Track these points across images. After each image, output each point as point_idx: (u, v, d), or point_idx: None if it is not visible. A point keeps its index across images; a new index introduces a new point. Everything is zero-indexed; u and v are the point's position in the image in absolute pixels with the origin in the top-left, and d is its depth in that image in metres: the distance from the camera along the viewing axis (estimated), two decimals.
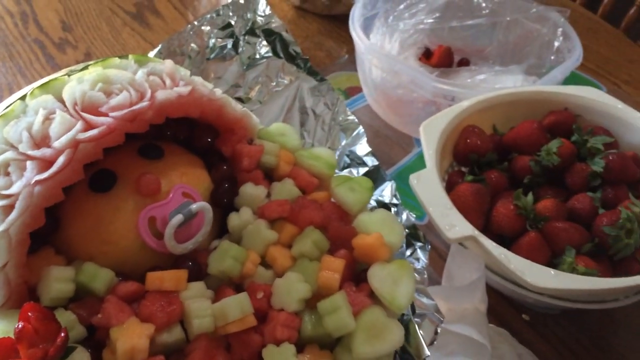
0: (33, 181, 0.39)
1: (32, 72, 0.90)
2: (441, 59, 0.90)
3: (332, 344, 0.44)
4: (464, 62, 0.93)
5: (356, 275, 0.47)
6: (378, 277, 0.45)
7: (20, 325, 0.36)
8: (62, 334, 0.37)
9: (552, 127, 0.67)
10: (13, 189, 0.39)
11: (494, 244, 0.53)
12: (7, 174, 0.40)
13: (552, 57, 0.83)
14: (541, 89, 0.68)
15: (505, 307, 0.63)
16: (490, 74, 0.83)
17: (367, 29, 0.87)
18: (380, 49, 0.82)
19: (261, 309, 0.43)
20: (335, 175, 0.53)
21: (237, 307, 0.41)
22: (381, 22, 0.85)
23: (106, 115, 0.41)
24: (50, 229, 0.44)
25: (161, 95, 0.44)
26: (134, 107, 0.42)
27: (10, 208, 0.39)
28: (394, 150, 0.81)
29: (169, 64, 0.48)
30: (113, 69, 0.45)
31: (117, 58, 0.47)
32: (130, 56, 0.48)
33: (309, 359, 0.42)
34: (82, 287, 0.42)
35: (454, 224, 0.55)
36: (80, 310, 0.41)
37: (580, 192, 0.61)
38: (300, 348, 0.43)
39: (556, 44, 0.83)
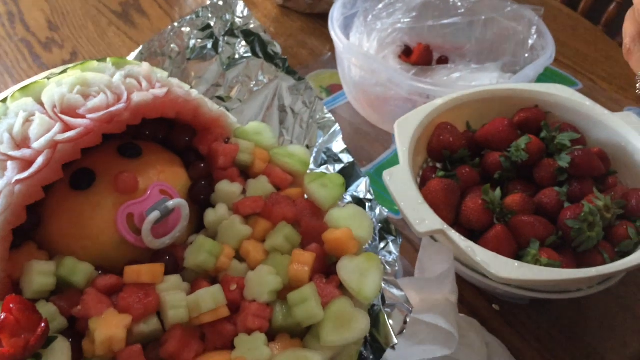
0: (13, 180, 0.41)
1: (19, 71, 0.91)
2: (420, 57, 0.93)
3: (303, 333, 0.46)
4: (443, 60, 0.96)
5: (327, 267, 0.50)
6: (346, 269, 0.47)
7: (2, 316, 0.38)
8: (43, 325, 0.39)
9: (523, 124, 0.69)
10: None
11: (462, 237, 0.56)
12: None
13: (527, 55, 0.85)
14: (512, 87, 0.71)
15: (476, 297, 0.65)
16: (466, 72, 0.85)
17: (347, 27, 0.89)
18: (359, 48, 0.84)
19: (234, 300, 0.45)
20: (308, 172, 0.55)
21: (210, 299, 0.43)
22: (360, 21, 0.87)
23: (83, 117, 0.43)
24: (32, 225, 0.46)
25: (137, 97, 0.46)
26: (111, 109, 0.44)
27: None
28: (373, 147, 0.83)
29: (145, 66, 0.50)
30: (91, 72, 0.47)
31: (95, 61, 0.49)
32: (108, 59, 0.50)
33: (280, 347, 0.44)
34: (63, 281, 0.44)
35: (423, 219, 0.57)
36: (61, 302, 0.43)
37: (548, 187, 0.63)
38: (272, 337, 0.45)
39: (530, 41, 0.85)
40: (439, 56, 0.96)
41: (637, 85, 0.42)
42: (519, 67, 0.85)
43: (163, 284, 0.45)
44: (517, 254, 0.58)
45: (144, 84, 0.48)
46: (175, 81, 0.52)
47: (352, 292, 0.46)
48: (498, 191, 0.61)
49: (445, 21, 0.88)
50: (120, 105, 0.45)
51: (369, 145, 0.84)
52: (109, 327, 0.41)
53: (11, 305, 0.39)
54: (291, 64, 0.97)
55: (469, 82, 0.84)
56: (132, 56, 0.68)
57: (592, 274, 0.53)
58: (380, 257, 0.57)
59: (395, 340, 0.51)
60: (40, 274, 0.43)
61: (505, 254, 0.55)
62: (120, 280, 0.44)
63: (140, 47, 0.68)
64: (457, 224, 0.62)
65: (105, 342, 0.40)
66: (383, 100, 0.81)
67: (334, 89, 0.92)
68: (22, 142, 0.42)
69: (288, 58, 0.97)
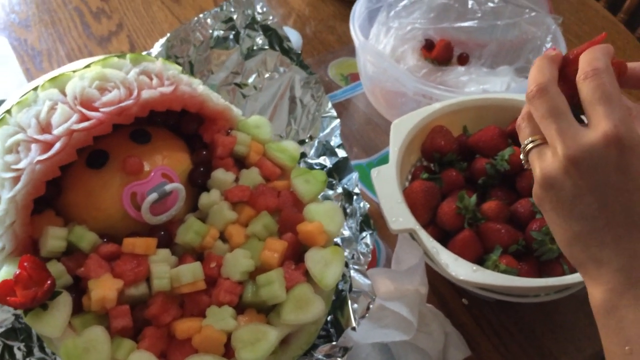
0: (35, 160, 0.49)
1: (69, 39, 1.00)
2: (440, 52, 0.96)
3: (268, 310, 0.54)
4: (464, 57, 0.99)
5: (300, 254, 0.57)
6: (312, 259, 0.54)
7: (17, 272, 0.47)
8: (49, 281, 0.48)
9: (515, 133, 0.73)
10: (20, 165, 0.49)
11: (430, 238, 0.61)
12: (17, 152, 0.50)
13: None
14: (508, 97, 0.74)
15: (449, 290, 0.71)
16: (479, 75, 0.88)
17: (372, 20, 0.94)
18: (375, 45, 0.88)
19: (212, 276, 0.53)
20: (296, 167, 0.62)
21: (189, 274, 0.51)
22: (383, 16, 0.91)
23: (97, 110, 0.51)
24: (53, 195, 0.55)
25: (146, 94, 0.54)
26: (121, 104, 0.52)
27: (17, 179, 0.49)
28: (380, 138, 0.89)
29: (159, 63, 0.57)
30: (110, 68, 0.54)
31: (115, 57, 0.56)
32: (127, 55, 0.57)
33: (246, 320, 0.52)
34: (72, 245, 0.53)
35: (399, 217, 0.63)
36: (69, 262, 0.52)
37: (526, 197, 0.68)
38: (241, 310, 0.53)
39: (544, 48, 0.87)
40: (460, 52, 0.99)
41: (521, 156, 0.45)
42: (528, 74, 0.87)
43: (155, 255, 0.53)
44: (482, 258, 0.64)
45: (155, 80, 0.56)
46: (184, 78, 0.59)
47: (315, 279, 0.54)
48: (474, 198, 0.66)
49: (463, 24, 0.91)
50: (130, 102, 0.52)
51: (377, 137, 0.89)
52: (103, 288, 0.49)
53: (25, 264, 0.48)
54: (318, 49, 1.03)
55: (480, 85, 0.88)
56: (160, 42, 0.75)
57: (541, 284, 0.58)
58: (358, 247, 0.64)
59: (354, 324, 0.58)
60: (53, 238, 0.52)
61: (468, 257, 0.61)
62: (120, 249, 0.53)
63: (168, 35, 0.75)
64: (433, 223, 0.68)
65: (99, 300, 0.49)
66: (394, 96, 0.86)
67: (354, 77, 0.97)
68: (45, 127, 0.51)
69: (315, 43, 1.03)
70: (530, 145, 0.43)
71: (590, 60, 0.41)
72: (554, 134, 0.40)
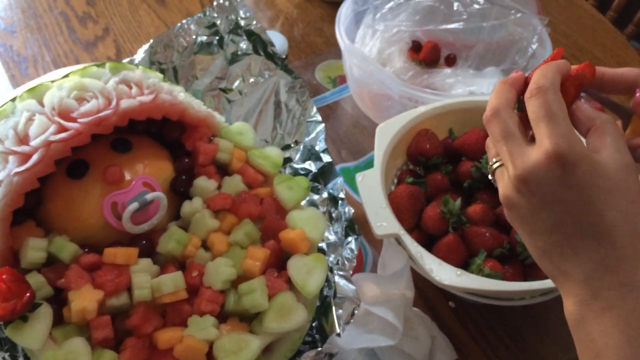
0: (13, 172, 0.49)
1: (55, 44, 1.00)
2: (428, 54, 0.96)
3: (251, 318, 0.54)
4: (451, 58, 0.99)
5: (282, 262, 0.57)
6: (295, 266, 0.54)
7: None
8: (28, 294, 0.48)
9: None
10: None
11: (414, 242, 0.61)
12: None
13: (525, 63, 0.87)
14: None
15: (435, 294, 0.71)
16: (466, 77, 0.88)
17: (358, 22, 0.93)
18: (361, 48, 0.88)
19: (194, 285, 0.53)
20: (279, 173, 0.62)
21: (170, 283, 0.51)
22: (369, 18, 0.91)
23: (75, 120, 0.51)
24: (34, 206, 0.55)
25: (125, 103, 0.53)
26: (100, 114, 0.52)
27: None
28: (367, 141, 0.89)
29: (138, 72, 0.57)
30: (88, 78, 0.54)
31: (94, 67, 0.56)
32: (107, 64, 0.57)
33: (228, 329, 0.52)
34: (53, 256, 0.52)
35: (383, 222, 0.63)
36: (49, 274, 0.52)
37: None
38: (224, 319, 0.53)
39: (530, 50, 0.87)
40: (448, 54, 0.99)
41: (489, 176, 0.46)
42: None
43: (136, 265, 0.53)
44: (467, 262, 0.64)
45: (134, 89, 0.55)
46: (165, 86, 0.59)
47: (297, 287, 0.53)
48: (458, 202, 0.66)
49: (449, 26, 0.91)
50: (108, 111, 0.52)
51: (364, 140, 0.89)
52: (83, 300, 0.49)
53: (4, 276, 0.47)
54: (305, 52, 1.03)
55: (467, 87, 0.88)
56: (143, 49, 0.75)
57: (525, 287, 0.58)
58: (343, 252, 0.64)
59: (339, 330, 0.58)
60: (33, 249, 0.52)
61: (453, 261, 0.61)
62: (100, 259, 0.53)
63: (151, 41, 0.75)
64: (419, 227, 0.68)
65: (79, 312, 0.49)
66: (380, 99, 0.86)
67: (341, 80, 0.97)
68: (23, 138, 0.51)
69: (303, 45, 1.03)
70: (495, 166, 0.44)
71: (537, 79, 0.42)
72: (505, 155, 0.41)
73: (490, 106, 0.43)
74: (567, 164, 0.38)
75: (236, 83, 0.78)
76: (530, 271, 0.64)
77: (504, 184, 0.42)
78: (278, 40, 0.89)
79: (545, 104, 0.40)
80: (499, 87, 0.44)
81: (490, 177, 0.46)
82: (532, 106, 0.41)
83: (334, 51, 1.03)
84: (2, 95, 0.57)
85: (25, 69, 0.95)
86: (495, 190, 0.70)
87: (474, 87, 0.88)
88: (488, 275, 0.60)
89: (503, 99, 0.43)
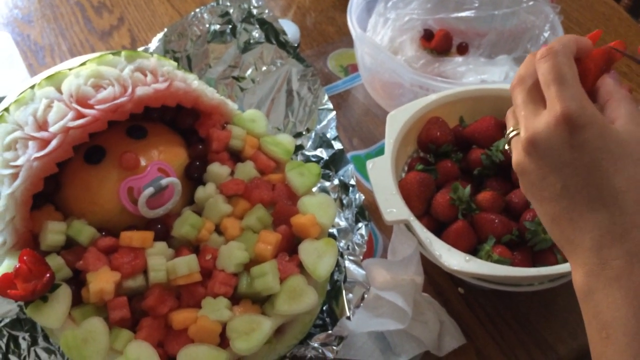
0: (33, 157, 0.50)
1: (71, 34, 1.01)
2: (439, 42, 0.96)
3: (263, 300, 0.55)
4: (463, 47, 0.99)
5: (294, 246, 0.58)
6: (306, 250, 0.55)
7: (17, 266, 0.49)
8: (48, 274, 0.49)
9: None
10: (18, 162, 0.51)
11: (424, 228, 0.62)
12: (15, 149, 0.52)
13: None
14: (504, 87, 0.74)
15: (445, 280, 0.72)
16: (476, 65, 0.88)
17: (370, 11, 0.94)
18: (373, 37, 0.89)
19: (208, 268, 0.54)
20: (290, 160, 0.63)
21: (185, 266, 0.53)
22: (381, 7, 0.92)
23: (92, 107, 0.52)
24: (52, 191, 0.56)
25: (140, 91, 0.55)
26: (116, 101, 0.53)
27: (15, 176, 0.51)
28: (379, 129, 0.89)
29: (153, 60, 0.58)
30: (104, 66, 0.55)
31: (110, 55, 0.57)
32: (122, 52, 0.58)
33: (241, 311, 0.53)
34: (71, 239, 0.54)
35: (393, 208, 0.63)
36: (68, 256, 0.53)
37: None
38: (237, 301, 0.54)
39: (542, 38, 0.87)
40: (460, 42, 0.99)
41: (506, 146, 0.47)
42: None
43: (152, 248, 0.54)
44: (476, 248, 0.64)
45: (149, 77, 0.57)
46: (179, 74, 0.60)
47: (308, 271, 0.55)
48: (468, 188, 0.66)
49: (461, 14, 0.91)
50: (125, 98, 0.53)
51: (375, 128, 0.90)
52: (101, 281, 0.51)
53: (25, 258, 0.49)
54: (317, 41, 1.04)
55: (478, 75, 0.88)
56: (157, 37, 0.76)
57: (533, 273, 0.58)
58: (353, 238, 0.65)
59: (349, 313, 0.59)
60: (53, 232, 0.53)
61: (462, 247, 0.62)
62: (117, 242, 0.54)
63: (165, 30, 0.76)
64: (428, 214, 0.69)
65: (97, 292, 0.51)
66: (392, 87, 0.87)
67: (353, 69, 0.98)
68: (42, 124, 0.52)
69: (315, 34, 1.04)
70: (511, 135, 0.45)
71: (550, 44, 0.42)
72: (522, 120, 0.42)
73: (518, 74, 0.44)
74: (576, 126, 0.38)
75: (249, 71, 0.79)
76: (538, 258, 0.64)
77: (517, 151, 0.43)
78: (290, 29, 0.90)
79: (556, 66, 0.40)
80: (528, 58, 0.44)
81: (506, 146, 0.46)
82: (542, 69, 0.41)
83: (346, 40, 1.04)
84: (21, 83, 0.58)
85: (42, 58, 0.97)
86: (505, 178, 0.71)
87: (486, 76, 0.88)
88: (497, 261, 0.61)
89: (531, 69, 0.43)
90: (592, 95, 0.43)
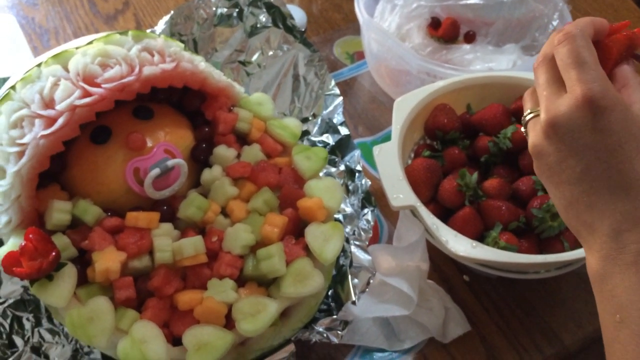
0: (39, 135, 0.50)
1: (76, 17, 1.01)
2: (447, 31, 0.95)
3: (269, 283, 0.55)
4: (470, 35, 0.98)
5: (300, 230, 0.57)
6: (312, 234, 0.55)
7: (23, 243, 0.49)
8: (54, 253, 0.49)
9: (519, 111, 0.73)
10: (24, 139, 0.50)
11: (430, 214, 0.62)
12: (22, 126, 0.51)
13: (545, 40, 0.86)
14: (512, 75, 0.74)
15: (449, 267, 0.71)
16: (484, 53, 0.88)
17: None
18: (379, 23, 0.88)
19: (214, 250, 0.54)
20: (297, 144, 0.62)
21: (191, 247, 0.52)
22: None
23: (100, 86, 0.52)
24: (58, 170, 0.56)
25: (147, 70, 0.54)
26: (123, 80, 0.52)
27: (21, 154, 0.50)
28: (384, 117, 0.89)
29: (160, 40, 0.58)
30: (112, 45, 0.55)
31: (117, 34, 0.57)
32: (129, 32, 0.58)
33: (246, 293, 0.53)
34: (77, 218, 0.54)
35: (399, 194, 0.63)
36: (73, 235, 0.53)
37: (528, 175, 0.68)
38: (242, 283, 0.54)
39: (550, 26, 0.87)
40: (467, 30, 0.98)
41: (522, 129, 0.46)
42: (534, 52, 0.87)
43: (157, 229, 0.54)
44: (483, 235, 0.64)
45: (156, 57, 0.56)
46: (186, 55, 0.59)
47: (314, 254, 0.54)
48: (475, 175, 0.66)
49: (469, 2, 0.90)
50: (132, 77, 0.53)
51: (381, 115, 0.89)
52: (107, 260, 0.51)
53: (31, 236, 0.49)
54: (323, 27, 1.03)
55: (486, 63, 0.87)
56: (164, 20, 0.75)
57: (540, 260, 0.58)
58: (359, 223, 0.65)
59: (354, 297, 0.59)
60: (58, 211, 0.53)
61: (468, 234, 0.61)
62: (123, 223, 0.54)
63: (172, 12, 0.75)
64: (435, 201, 0.68)
65: (103, 272, 0.50)
66: (398, 75, 0.86)
67: (359, 56, 0.97)
68: (49, 102, 0.52)
69: (321, 21, 1.03)
70: (528, 117, 0.44)
71: (566, 28, 0.42)
72: (543, 101, 0.42)
73: (542, 52, 0.43)
74: (598, 108, 0.38)
75: (255, 56, 0.78)
76: (545, 246, 0.64)
77: (534, 133, 0.42)
78: (297, 15, 0.89)
79: (574, 50, 0.40)
80: (552, 36, 0.44)
81: (522, 129, 0.46)
82: (561, 54, 0.41)
83: (353, 27, 1.03)
84: (26, 66, 0.57)
85: (47, 41, 0.96)
86: (513, 165, 0.71)
87: (493, 64, 0.88)
88: (503, 248, 0.60)
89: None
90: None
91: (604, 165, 0.38)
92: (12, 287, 0.62)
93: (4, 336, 0.59)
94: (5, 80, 0.62)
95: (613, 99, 0.38)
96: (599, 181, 0.39)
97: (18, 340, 0.59)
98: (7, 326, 0.60)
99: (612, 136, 0.38)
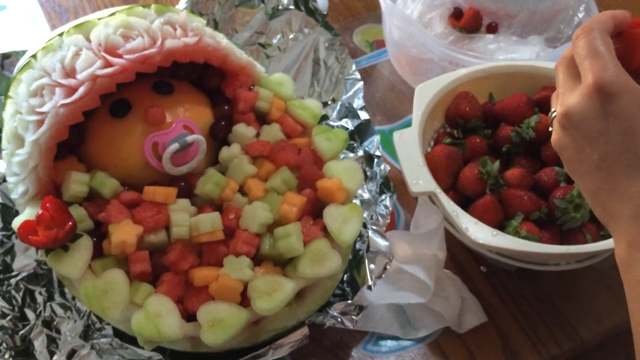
0: (59, 104, 0.49)
1: None
2: (468, 21, 0.94)
3: (285, 262, 0.54)
4: (493, 26, 0.97)
5: (318, 210, 0.56)
6: (331, 215, 0.54)
7: (40, 212, 0.48)
8: (70, 223, 0.48)
9: (542, 102, 0.71)
10: (44, 108, 0.50)
11: (450, 201, 0.61)
12: (42, 95, 0.51)
13: (570, 32, 0.85)
14: (536, 64, 0.73)
15: (466, 257, 0.70)
16: (507, 44, 0.86)
17: None
18: (400, 11, 0.87)
19: (231, 227, 0.53)
20: (317, 125, 0.61)
21: (208, 223, 0.51)
22: None
23: (121, 56, 0.51)
24: (77, 142, 0.56)
25: (169, 43, 0.53)
26: (145, 52, 0.52)
27: (41, 123, 0.50)
28: (403, 105, 0.88)
29: (183, 15, 0.57)
30: (134, 17, 0.54)
31: (140, 7, 0.56)
32: (152, 6, 0.57)
33: (262, 272, 0.52)
34: (94, 190, 0.53)
35: (419, 180, 0.62)
36: (90, 207, 0.52)
37: (551, 166, 0.66)
38: (259, 262, 0.53)
39: (576, 19, 0.85)
40: (490, 22, 0.97)
41: (550, 128, 0.47)
42: (559, 44, 0.86)
43: (174, 205, 0.53)
44: (503, 224, 0.63)
45: (179, 31, 0.55)
46: (208, 30, 0.59)
47: (333, 235, 0.53)
48: (497, 164, 0.65)
49: None
50: (154, 50, 0.52)
51: (400, 104, 0.88)
52: (123, 233, 0.50)
53: (48, 205, 0.48)
54: (344, 15, 1.02)
55: (508, 54, 0.86)
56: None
57: (562, 251, 0.57)
58: (377, 209, 0.64)
59: (370, 282, 0.58)
60: (76, 183, 0.52)
61: (489, 222, 0.60)
62: (140, 197, 0.53)
63: None
64: (454, 188, 0.67)
65: (119, 244, 0.50)
66: (419, 63, 0.85)
67: (379, 44, 0.96)
68: (70, 72, 0.51)
69: (342, 8, 1.02)
70: (552, 115, 0.45)
71: (586, 23, 0.42)
72: (560, 97, 0.43)
73: (563, 53, 0.44)
74: (608, 95, 0.38)
75: (275, 38, 0.77)
76: (567, 237, 0.63)
77: (554, 129, 0.43)
78: (319, 0, 0.88)
79: (590, 42, 0.40)
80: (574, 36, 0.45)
81: (550, 128, 0.46)
82: (577, 47, 0.41)
83: (373, 15, 1.02)
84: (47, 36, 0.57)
85: (67, 20, 0.96)
86: (535, 156, 0.69)
87: (516, 55, 0.87)
88: (524, 238, 0.59)
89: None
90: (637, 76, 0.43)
91: (619, 149, 0.39)
92: (26, 261, 0.61)
93: (16, 309, 0.59)
94: (24, 53, 0.62)
95: (624, 85, 0.38)
96: (615, 166, 0.39)
97: (30, 314, 0.59)
98: (19, 299, 0.59)
99: (625, 120, 0.38)
